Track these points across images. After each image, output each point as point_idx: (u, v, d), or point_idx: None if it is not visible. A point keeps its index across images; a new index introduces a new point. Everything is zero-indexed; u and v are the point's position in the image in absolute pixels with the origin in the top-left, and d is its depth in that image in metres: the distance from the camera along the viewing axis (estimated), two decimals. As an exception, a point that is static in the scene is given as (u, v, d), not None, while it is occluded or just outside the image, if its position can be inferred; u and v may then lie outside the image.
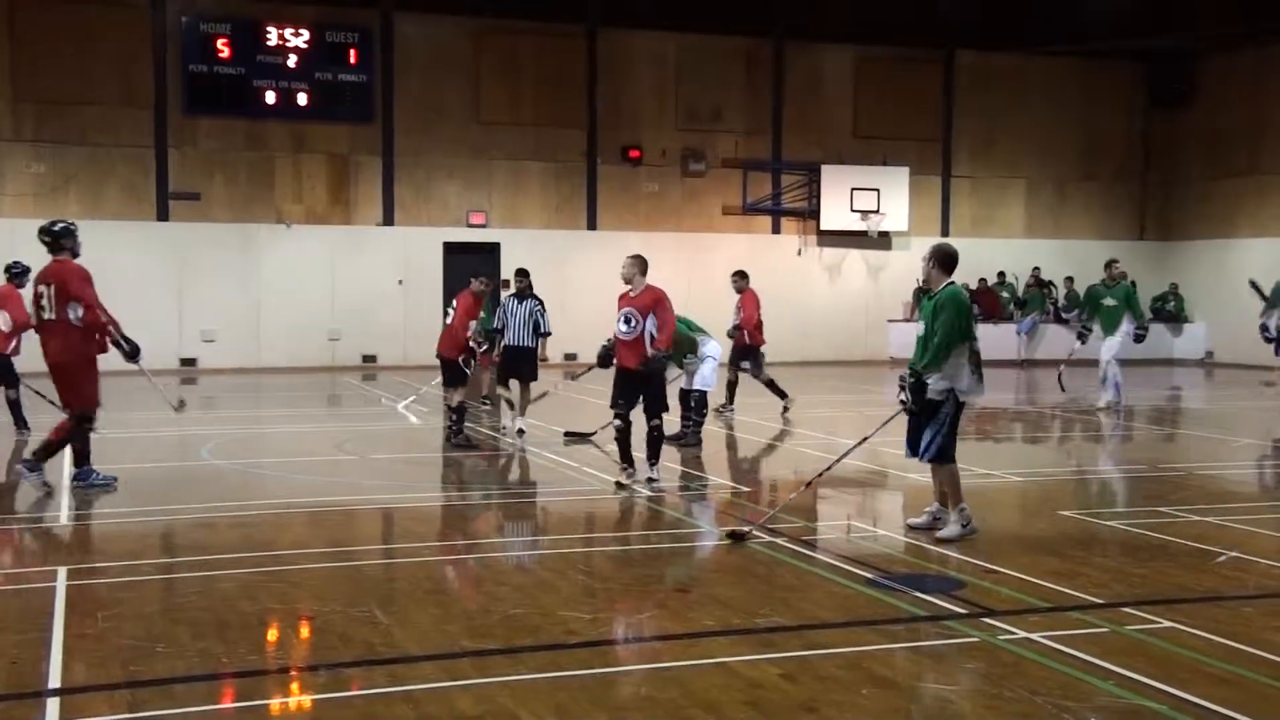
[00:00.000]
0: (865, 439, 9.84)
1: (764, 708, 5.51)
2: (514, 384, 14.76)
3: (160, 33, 24.13)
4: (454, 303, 14.73)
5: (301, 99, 24.84)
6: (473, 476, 12.47)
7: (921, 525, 9.30)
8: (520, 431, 14.62)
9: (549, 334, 14.65)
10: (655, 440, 11.27)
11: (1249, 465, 13.93)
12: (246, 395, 20.96)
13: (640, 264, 11.62)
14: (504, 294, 15.83)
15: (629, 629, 6.81)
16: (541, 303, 14.85)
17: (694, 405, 14.14)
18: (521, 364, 14.53)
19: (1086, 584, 7.68)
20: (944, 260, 9.12)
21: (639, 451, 11.35)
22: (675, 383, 15.13)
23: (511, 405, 14.98)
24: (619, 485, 11.18)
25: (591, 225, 26.86)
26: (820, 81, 28.31)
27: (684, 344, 13.81)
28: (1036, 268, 29.25)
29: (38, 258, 24.63)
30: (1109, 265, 18.31)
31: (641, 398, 11.31)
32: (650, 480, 11.11)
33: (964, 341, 8.84)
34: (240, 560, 8.23)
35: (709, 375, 14.17)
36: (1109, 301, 18.01)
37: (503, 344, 14.59)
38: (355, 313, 25.26)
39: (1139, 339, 18.11)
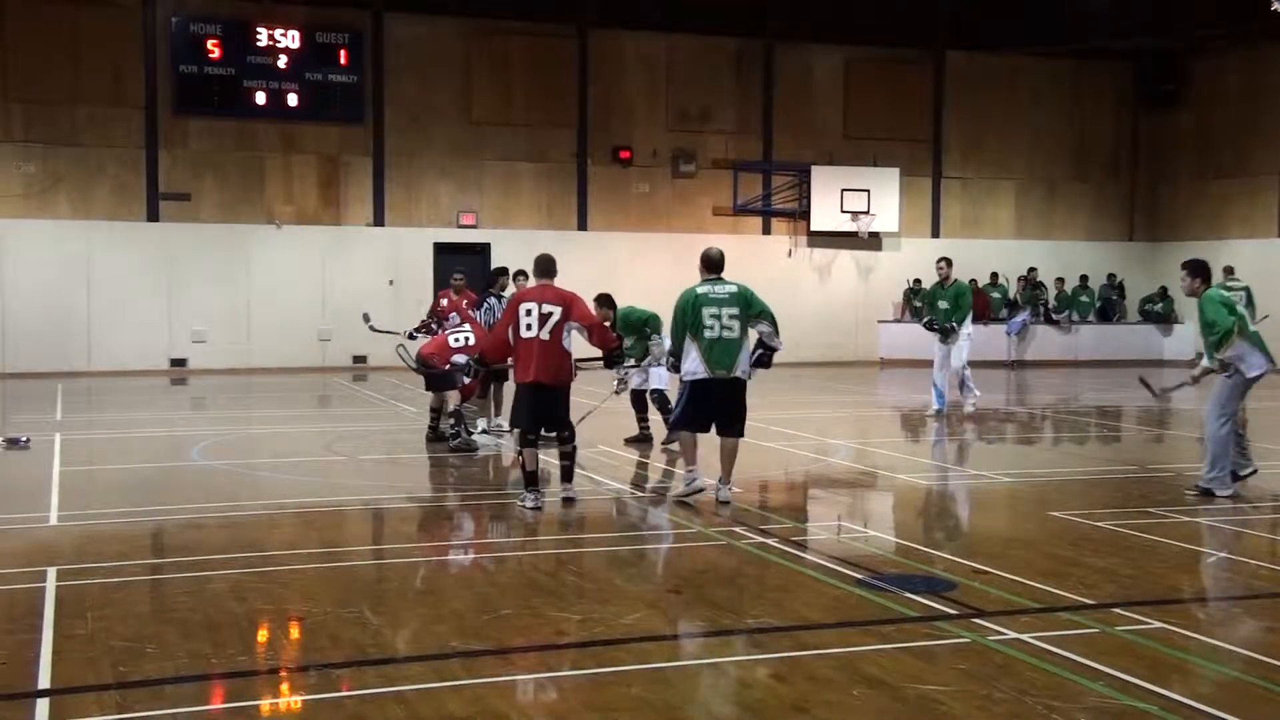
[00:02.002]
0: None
1: (754, 708, 5.52)
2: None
3: (150, 33, 24.08)
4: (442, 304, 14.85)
5: (292, 100, 24.79)
6: (462, 477, 12.45)
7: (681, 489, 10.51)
8: (501, 428, 14.79)
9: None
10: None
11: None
12: (237, 396, 20.92)
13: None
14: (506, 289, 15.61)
15: (619, 629, 6.80)
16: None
17: (658, 405, 13.97)
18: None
19: (1076, 585, 7.69)
20: (701, 260, 10.64)
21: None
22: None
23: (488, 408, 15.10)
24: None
25: (582, 226, 26.85)
26: (810, 82, 28.33)
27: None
28: (1032, 269, 29.34)
29: (29, 258, 24.69)
30: (938, 265, 17.49)
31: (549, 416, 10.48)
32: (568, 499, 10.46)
33: (686, 337, 10.31)
34: (230, 561, 8.22)
35: (665, 374, 13.81)
36: (942, 304, 17.45)
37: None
38: (345, 313, 25.19)
39: (945, 333, 17.14)
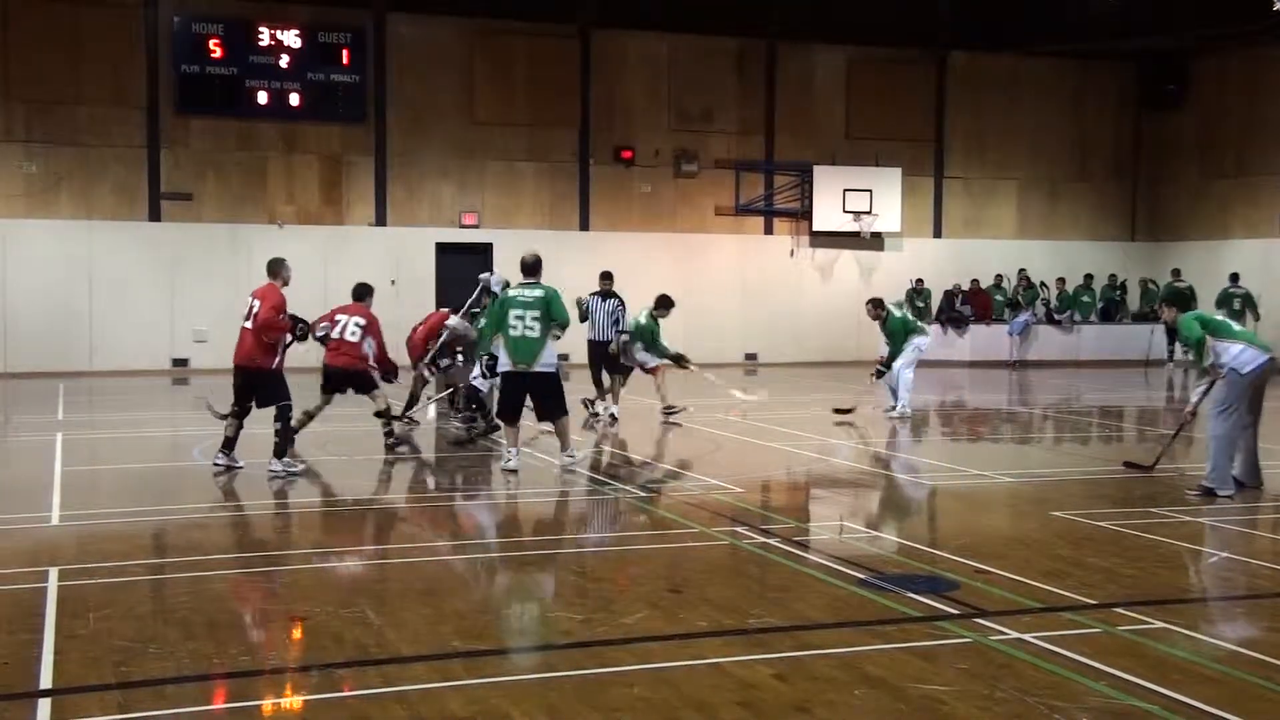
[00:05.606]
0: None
1: (756, 708, 5.52)
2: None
3: (152, 33, 24.06)
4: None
5: (294, 99, 24.77)
6: (465, 477, 12.46)
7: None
8: (613, 417, 15.76)
9: (625, 333, 15.93)
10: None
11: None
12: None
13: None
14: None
15: (621, 629, 6.80)
16: (622, 302, 16.16)
17: (467, 398, 14.75)
18: (608, 357, 15.93)
19: (1078, 584, 7.69)
20: (521, 263, 12.02)
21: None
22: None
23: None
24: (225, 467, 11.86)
25: (584, 226, 26.83)
26: (813, 82, 28.30)
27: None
28: (1023, 270, 29.30)
29: (30, 258, 24.69)
30: (867, 307, 17.37)
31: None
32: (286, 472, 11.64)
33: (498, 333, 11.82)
34: (232, 561, 8.23)
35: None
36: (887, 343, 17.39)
37: (588, 338, 16.09)
38: (347, 313, 25.17)
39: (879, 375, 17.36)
